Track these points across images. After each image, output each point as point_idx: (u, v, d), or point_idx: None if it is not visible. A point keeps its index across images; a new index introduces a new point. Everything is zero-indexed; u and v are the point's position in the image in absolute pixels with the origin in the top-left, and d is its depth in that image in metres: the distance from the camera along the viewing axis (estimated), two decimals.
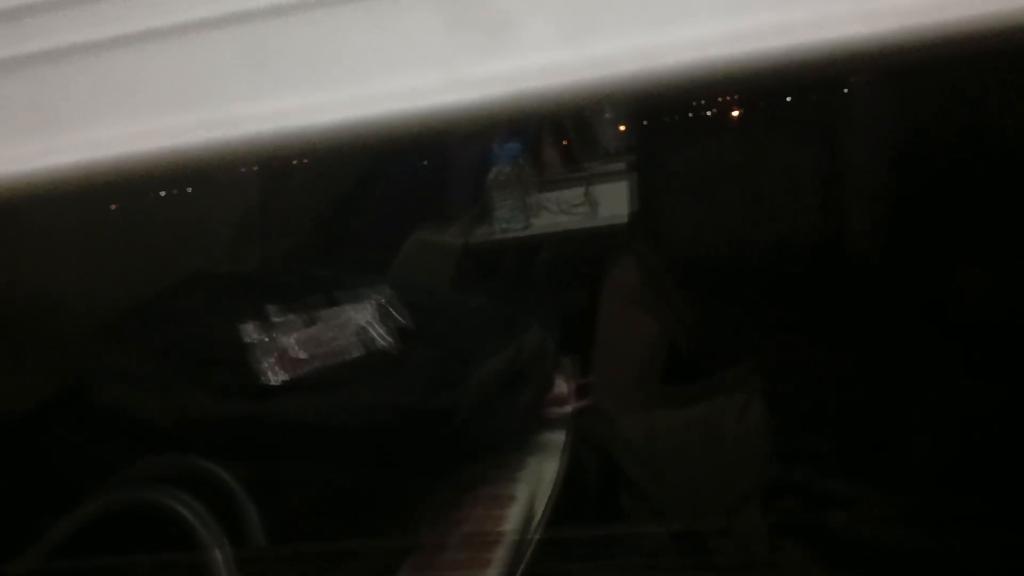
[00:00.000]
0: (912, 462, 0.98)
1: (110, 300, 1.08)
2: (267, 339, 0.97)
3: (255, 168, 1.33)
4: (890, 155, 1.13)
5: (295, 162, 1.36)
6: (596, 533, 0.98)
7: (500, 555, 0.88)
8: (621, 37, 0.26)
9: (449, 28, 0.27)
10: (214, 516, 0.81)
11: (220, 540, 0.80)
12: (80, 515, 0.85)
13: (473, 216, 1.73)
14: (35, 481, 0.94)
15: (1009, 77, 0.91)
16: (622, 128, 1.86)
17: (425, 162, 1.70)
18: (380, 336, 0.99)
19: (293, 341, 0.97)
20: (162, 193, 1.18)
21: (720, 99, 1.21)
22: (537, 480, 1.01)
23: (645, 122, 1.37)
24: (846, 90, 1.12)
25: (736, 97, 1.20)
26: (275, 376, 0.93)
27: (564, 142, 1.91)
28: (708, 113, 1.26)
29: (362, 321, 1.00)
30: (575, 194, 1.78)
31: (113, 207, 1.13)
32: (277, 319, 1.00)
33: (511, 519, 0.93)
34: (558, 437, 1.09)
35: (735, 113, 1.24)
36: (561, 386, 1.14)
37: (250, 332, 0.98)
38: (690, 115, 1.27)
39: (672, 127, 1.29)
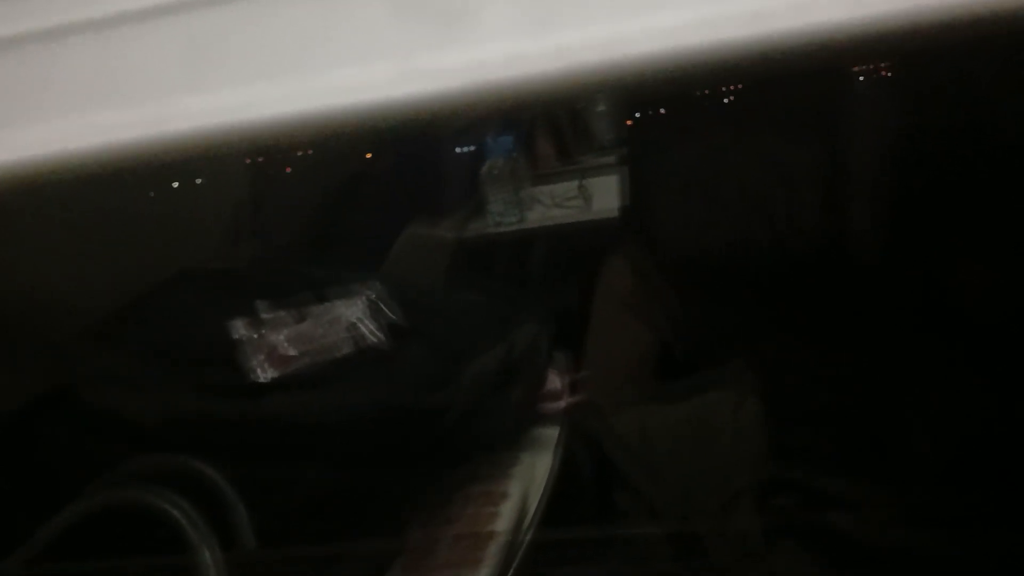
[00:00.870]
0: (908, 460, 0.97)
1: (98, 299, 1.08)
2: (256, 336, 0.96)
3: (229, 164, 1.32)
4: (887, 150, 1.12)
5: (260, 157, 1.35)
6: (589, 531, 0.98)
7: (492, 553, 0.87)
8: (586, 25, 0.25)
9: (404, 17, 0.26)
10: (203, 516, 0.81)
11: (209, 541, 0.80)
12: (68, 515, 0.85)
13: (466, 210, 1.73)
14: (23, 481, 0.94)
15: (1010, 64, 0.90)
16: (615, 121, 1.85)
17: (417, 156, 1.69)
18: (371, 332, 0.98)
19: (283, 338, 0.96)
20: (151, 193, 1.18)
21: (709, 92, 1.20)
22: (530, 476, 1.01)
23: (638, 115, 1.36)
24: (843, 83, 1.11)
25: (729, 89, 1.19)
26: (264, 373, 0.93)
27: (558, 135, 1.90)
28: (700, 107, 1.25)
29: (352, 317, 1.00)
30: (569, 188, 1.77)
31: (102, 204, 1.12)
32: (267, 316, 0.99)
33: (504, 516, 0.92)
34: (551, 433, 1.08)
35: (729, 107, 1.23)
36: (554, 382, 1.13)
37: (239, 329, 0.97)
38: (682, 108, 1.26)
39: (665, 121, 1.29)
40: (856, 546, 0.93)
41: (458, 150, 1.73)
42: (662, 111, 1.28)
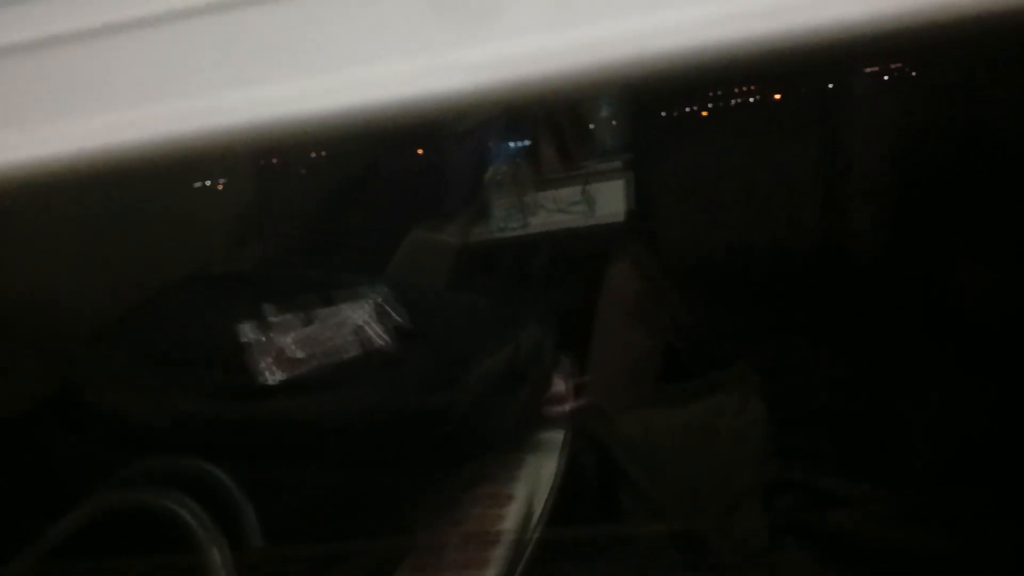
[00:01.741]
0: (910, 460, 0.98)
1: (106, 303, 1.08)
2: (264, 339, 0.97)
3: (243, 162, 1.33)
4: (890, 153, 1.13)
5: (275, 160, 1.35)
6: (595, 532, 0.98)
7: (499, 554, 0.88)
8: (609, 20, 0.26)
9: (433, 12, 0.27)
10: (211, 517, 0.81)
11: (218, 541, 0.80)
12: (77, 517, 0.85)
13: (471, 215, 1.73)
14: (31, 483, 0.94)
15: (1014, 64, 0.90)
16: (620, 126, 1.86)
17: (422, 160, 1.69)
18: (377, 335, 0.98)
19: (290, 341, 0.97)
20: (158, 195, 1.18)
21: (716, 95, 1.21)
22: (536, 479, 1.01)
23: (643, 120, 1.37)
24: (844, 88, 1.12)
25: (735, 92, 1.19)
26: (272, 376, 0.93)
27: (561, 140, 1.91)
28: (704, 112, 1.25)
29: (359, 320, 1.00)
30: (573, 192, 1.77)
31: (108, 207, 1.13)
32: (274, 319, 0.99)
33: (510, 518, 0.93)
34: (557, 435, 1.08)
35: (732, 111, 1.24)
36: (559, 384, 1.13)
37: (247, 332, 0.97)
38: (687, 112, 1.26)
39: (670, 125, 1.29)
40: (859, 546, 0.94)
41: (462, 155, 1.73)
42: (665, 115, 1.28)
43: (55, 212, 1.01)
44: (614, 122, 1.86)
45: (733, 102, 1.22)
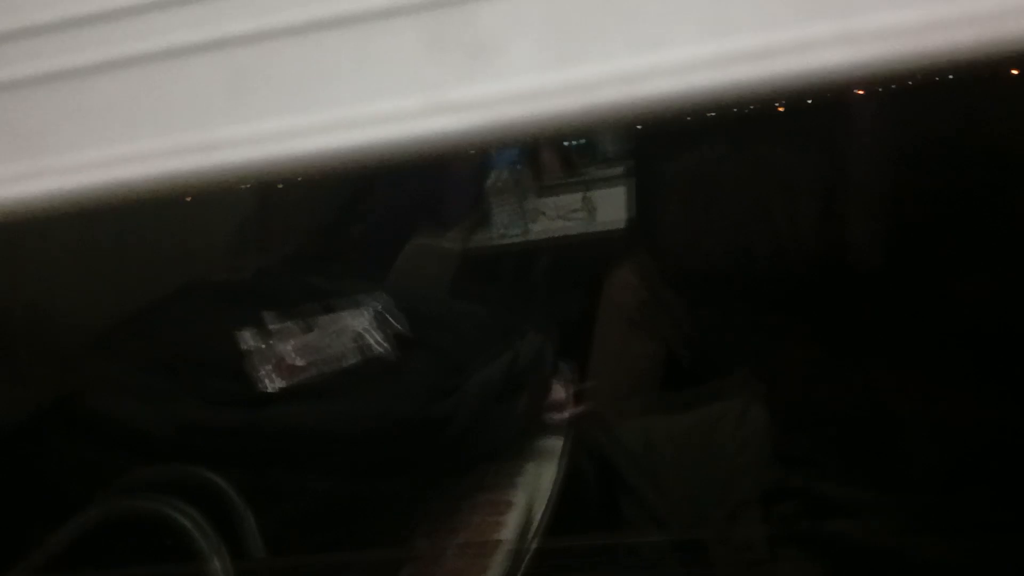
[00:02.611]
0: (912, 468, 0.98)
1: (107, 310, 1.08)
2: (264, 346, 0.97)
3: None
4: (889, 165, 1.13)
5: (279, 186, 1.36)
6: (594, 540, 0.98)
7: (498, 562, 0.88)
8: (605, 61, 0.26)
9: (431, 52, 0.27)
10: (212, 525, 0.81)
11: (218, 549, 0.80)
12: (77, 525, 0.85)
13: (471, 222, 1.73)
14: (32, 491, 0.94)
15: (1003, 99, 0.91)
16: (619, 133, 1.86)
17: (423, 168, 1.69)
18: (377, 343, 0.99)
19: (290, 348, 0.97)
20: (158, 204, 1.18)
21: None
22: (535, 486, 1.01)
23: (643, 128, 1.37)
24: (846, 101, 1.12)
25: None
26: (272, 384, 0.93)
27: (562, 147, 1.91)
28: (706, 120, 1.25)
29: (359, 328, 1.00)
30: (573, 199, 1.78)
31: (109, 217, 1.13)
32: (274, 326, 1.00)
33: (509, 526, 0.93)
34: (556, 443, 1.08)
35: (733, 120, 1.24)
36: (559, 392, 1.13)
37: (247, 339, 0.98)
38: (688, 120, 1.26)
39: (670, 134, 1.29)
40: (860, 554, 0.94)
41: (463, 162, 1.74)
42: (671, 125, 1.28)
43: (58, 224, 1.01)
44: (614, 130, 1.87)
45: (735, 109, 1.22)
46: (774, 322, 1.15)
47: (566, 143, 1.89)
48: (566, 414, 1.12)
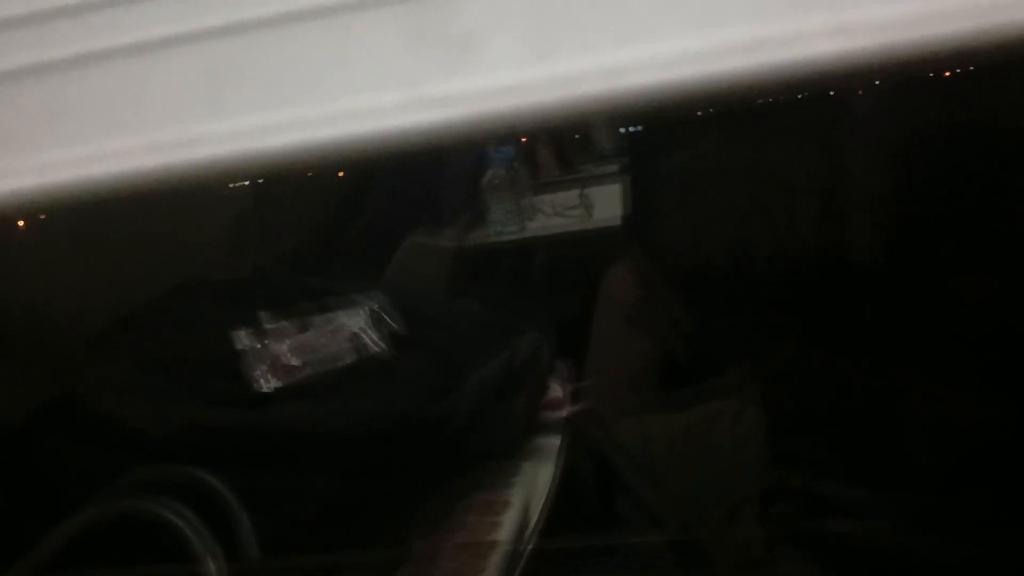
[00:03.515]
0: (910, 467, 0.98)
1: (104, 310, 1.08)
2: (259, 346, 0.97)
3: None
4: (888, 160, 1.12)
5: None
6: (591, 540, 0.98)
7: (494, 562, 0.88)
8: (588, 55, 0.26)
9: (413, 46, 0.27)
10: (207, 526, 0.81)
11: (214, 550, 0.80)
12: (73, 525, 0.85)
13: (467, 219, 1.73)
14: (28, 491, 0.94)
15: (997, 90, 0.90)
16: (616, 130, 1.85)
17: (418, 165, 1.69)
18: (373, 342, 0.98)
19: (286, 348, 0.97)
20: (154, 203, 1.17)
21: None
22: (532, 485, 1.01)
23: (640, 125, 1.37)
24: (844, 95, 1.12)
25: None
26: (268, 384, 0.93)
27: (558, 144, 1.90)
28: (701, 115, 1.25)
29: (355, 327, 1.00)
30: (570, 196, 1.77)
31: (104, 216, 1.12)
32: (269, 325, 0.99)
33: (506, 525, 0.93)
34: (553, 442, 1.08)
35: (730, 116, 1.23)
36: (556, 390, 1.13)
37: (242, 339, 0.97)
38: (684, 118, 1.26)
39: (666, 130, 1.29)
40: (859, 553, 0.94)
41: (459, 159, 1.73)
42: (666, 120, 1.28)
43: (54, 223, 1.01)
44: (611, 126, 1.86)
45: (730, 104, 1.22)
46: (772, 320, 1.14)
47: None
48: (563, 413, 1.11)
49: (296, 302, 1.03)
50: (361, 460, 0.90)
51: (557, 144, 1.89)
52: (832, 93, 1.10)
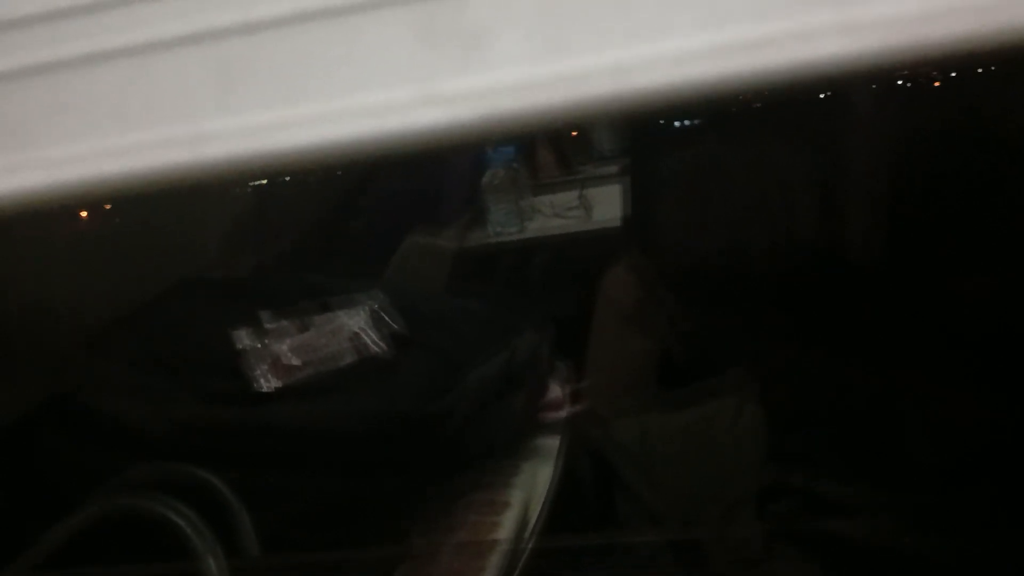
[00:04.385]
0: (909, 466, 0.98)
1: (103, 308, 1.08)
2: (260, 345, 0.97)
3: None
4: (886, 161, 1.13)
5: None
6: (591, 539, 0.98)
7: (494, 562, 0.88)
8: (599, 52, 0.26)
9: (423, 43, 0.27)
10: (207, 524, 0.81)
11: (213, 548, 0.80)
12: (72, 523, 0.85)
13: (467, 220, 1.73)
14: (27, 489, 0.94)
15: (999, 91, 0.91)
16: (615, 131, 1.86)
17: (419, 166, 1.69)
18: (373, 342, 0.99)
19: (286, 348, 0.97)
20: (155, 201, 1.17)
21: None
22: (531, 485, 1.01)
23: (639, 125, 1.37)
24: (843, 95, 1.12)
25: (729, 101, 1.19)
26: (268, 383, 0.93)
27: (558, 145, 1.90)
28: (703, 117, 1.25)
29: (355, 327, 1.00)
30: (569, 197, 1.77)
31: (105, 213, 1.12)
32: (270, 325, 1.00)
33: (505, 525, 0.93)
34: (553, 442, 1.08)
35: (730, 117, 1.24)
36: (556, 390, 1.13)
37: (243, 338, 0.97)
38: (683, 119, 1.26)
39: (666, 131, 1.29)
40: (857, 552, 0.94)
41: (459, 159, 1.73)
42: (662, 121, 1.28)
43: (52, 221, 1.01)
44: (611, 127, 1.86)
45: (732, 103, 1.22)
46: (770, 320, 1.15)
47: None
48: (562, 412, 1.11)
49: (296, 301, 1.03)
50: (361, 459, 0.90)
51: (557, 145, 1.89)
52: (832, 93, 1.10)
